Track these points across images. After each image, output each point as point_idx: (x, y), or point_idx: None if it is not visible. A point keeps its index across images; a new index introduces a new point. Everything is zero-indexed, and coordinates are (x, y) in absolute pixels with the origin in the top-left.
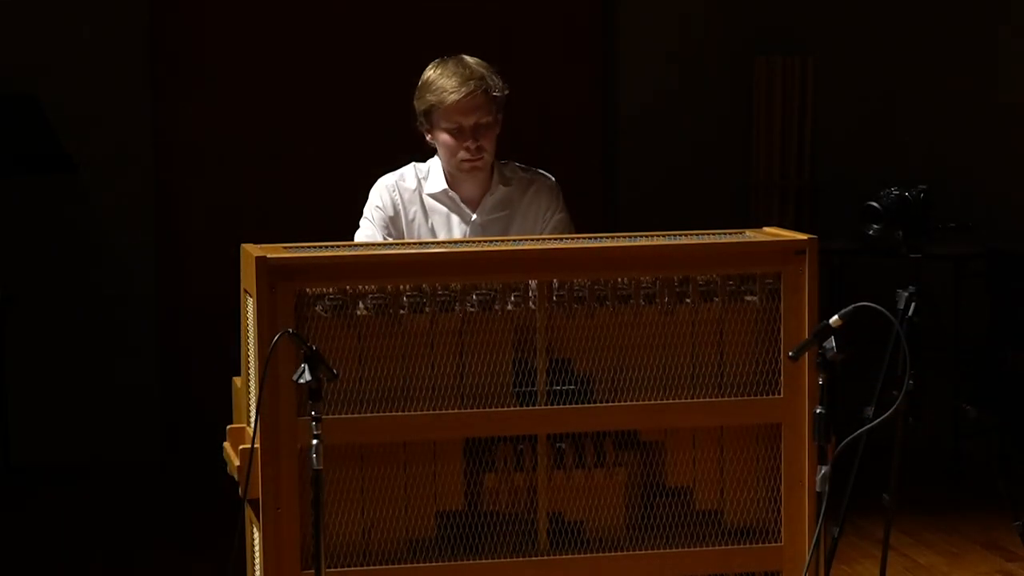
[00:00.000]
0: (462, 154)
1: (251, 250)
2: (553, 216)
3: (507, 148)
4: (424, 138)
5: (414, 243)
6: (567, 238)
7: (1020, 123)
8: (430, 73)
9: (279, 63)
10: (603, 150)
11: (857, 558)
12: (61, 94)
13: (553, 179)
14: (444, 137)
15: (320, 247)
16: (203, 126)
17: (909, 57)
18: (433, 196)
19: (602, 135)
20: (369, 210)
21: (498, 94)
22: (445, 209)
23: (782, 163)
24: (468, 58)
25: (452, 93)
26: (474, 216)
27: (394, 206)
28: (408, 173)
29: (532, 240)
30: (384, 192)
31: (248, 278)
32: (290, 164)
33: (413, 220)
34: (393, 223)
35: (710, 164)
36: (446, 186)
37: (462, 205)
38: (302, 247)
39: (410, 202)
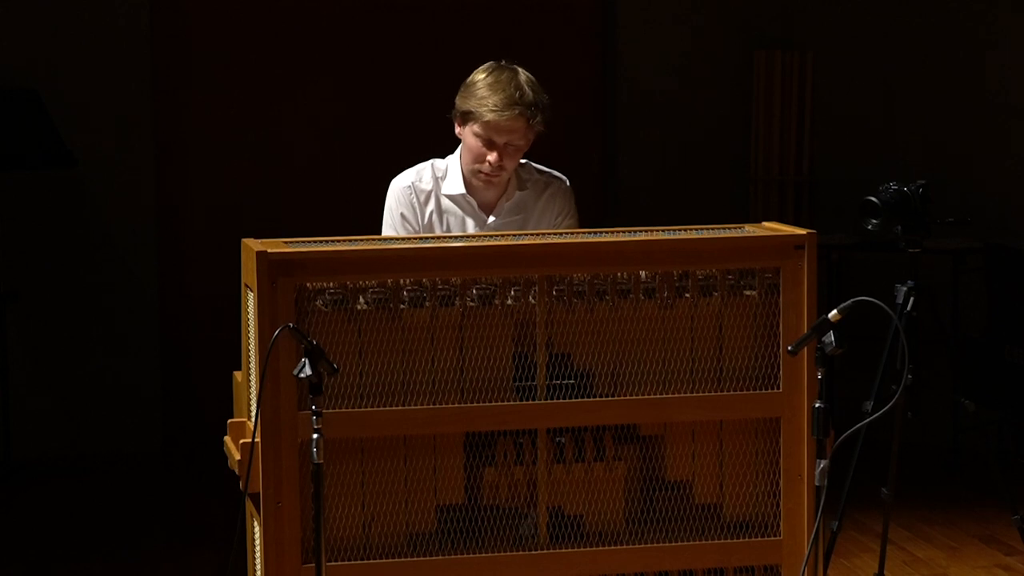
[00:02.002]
0: (483, 166)
1: (252, 245)
2: (564, 220)
3: None
4: (454, 127)
5: (414, 238)
6: (567, 233)
7: (1019, 118)
8: (481, 77)
9: (279, 62)
10: (603, 145)
11: (856, 552)
12: (63, 90)
13: (568, 182)
14: (472, 142)
15: (320, 242)
16: (203, 125)
17: (908, 52)
18: (450, 197)
19: (602, 130)
20: (392, 217)
21: (539, 127)
22: (460, 211)
23: (781, 158)
24: (523, 75)
25: (493, 112)
26: (489, 220)
27: (412, 208)
28: (425, 173)
29: (532, 235)
30: (401, 196)
31: (249, 273)
32: (290, 163)
33: (428, 221)
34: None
35: (709, 159)
36: (464, 190)
37: (478, 210)
38: (303, 242)
39: (426, 203)
